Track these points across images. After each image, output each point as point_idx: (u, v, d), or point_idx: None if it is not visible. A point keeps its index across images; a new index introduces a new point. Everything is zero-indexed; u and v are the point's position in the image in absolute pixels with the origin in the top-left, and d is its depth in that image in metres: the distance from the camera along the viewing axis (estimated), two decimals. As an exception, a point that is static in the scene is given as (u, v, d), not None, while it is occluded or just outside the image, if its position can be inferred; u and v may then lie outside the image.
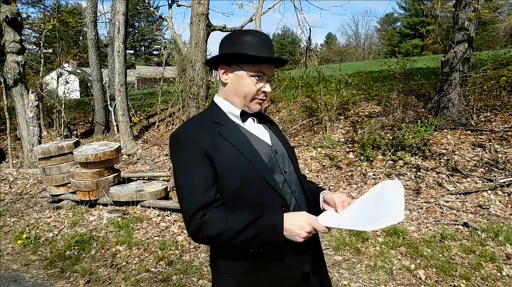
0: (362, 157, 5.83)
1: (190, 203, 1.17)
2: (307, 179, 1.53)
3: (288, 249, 1.24)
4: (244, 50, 1.24)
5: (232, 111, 1.32)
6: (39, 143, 7.49)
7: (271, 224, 1.16)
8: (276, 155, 1.32)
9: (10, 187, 6.53)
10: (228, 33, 1.35)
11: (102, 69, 11.62)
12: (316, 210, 1.34)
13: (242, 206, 1.20)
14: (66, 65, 13.18)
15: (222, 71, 1.30)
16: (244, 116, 1.32)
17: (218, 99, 1.35)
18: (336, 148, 6.38)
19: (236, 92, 1.29)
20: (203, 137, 1.22)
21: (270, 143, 1.33)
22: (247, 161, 1.22)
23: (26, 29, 17.06)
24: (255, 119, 1.37)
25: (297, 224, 1.15)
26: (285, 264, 1.26)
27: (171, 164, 5.62)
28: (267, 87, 1.30)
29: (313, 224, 1.16)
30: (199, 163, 1.19)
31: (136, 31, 45.81)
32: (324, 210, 1.31)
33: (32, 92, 7.69)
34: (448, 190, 4.84)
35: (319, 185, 1.49)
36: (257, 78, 1.27)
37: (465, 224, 3.98)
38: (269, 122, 1.45)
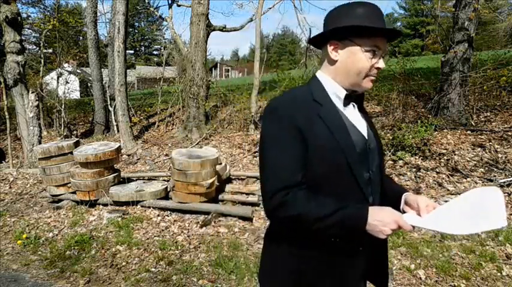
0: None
1: (275, 180, 1.11)
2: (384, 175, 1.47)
3: (359, 248, 1.21)
4: (358, 22, 1.13)
5: (337, 92, 1.22)
6: (39, 143, 7.49)
7: (356, 216, 1.09)
8: (369, 150, 1.23)
9: (10, 187, 6.53)
10: (334, 7, 1.23)
11: (102, 69, 11.62)
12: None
13: (325, 197, 1.15)
14: (66, 65, 13.17)
15: (332, 47, 1.19)
16: (347, 99, 1.23)
17: (322, 77, 1.25)
18: (336, 148, 6.37)
19: (348, 69, 1.18)
20: (302, 116, 1.14)
21: (366, 136, 1.24)
22: (341, 151, 1.14)
23: (26, 29, 17.06)
24: (355, 106, 1.27)
25: (381, 220, 1.08)
26: (350, 268, 1.23)
27: (170, 164, 5.62)
28: (381, 63, 1.19)
29: (398, 222, 1.08)
30: (294, 141, 1.12)
31: (136, 31, 45.82)
32: (404, 212, 1.23)
33: (32, 92, 7.68)
34: (448, 190, 4.84)
35: (400, 185, 1.41)
36: (372, 53, 1.16)
37: (465, 224, 3.98)
38: (364, 111, 1.34)
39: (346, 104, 1.23)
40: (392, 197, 1.29)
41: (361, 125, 1.25)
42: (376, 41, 1.16)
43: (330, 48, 1.20)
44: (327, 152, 1.14)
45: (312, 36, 1.25)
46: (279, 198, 1.10)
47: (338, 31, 1.16)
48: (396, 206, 1.25)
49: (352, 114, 1.25)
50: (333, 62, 1.22)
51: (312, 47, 9.77)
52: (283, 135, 1.13)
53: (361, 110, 1.31)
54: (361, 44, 1.15)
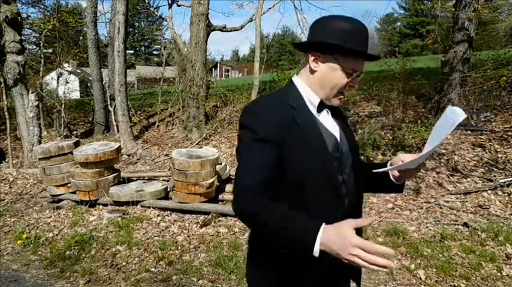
0: (362, 157, 5.83)
1: (243, 181, 1.11)
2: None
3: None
4: (346, 43, 1.14)
5: (311, 98, 1.24)
6: (39, 143, 7.49)
7: (305, 233, 0.99)
8: (341, 153, 1.26)
9: (10, 187, 6.53)
10: (323, 17, 1.23)
11: (102, 69, 11.61)
12: (377, 185, 1.39)
13: (301, 200, 1.16)
14: (66, 65, 13.16)
15: (313, 57, 1.21)
16: (321, 106, 1.25)
17: (299, 83, 1.27)
18: (336, 148, 6.37)
19: (324, 82, 1.22)
20: (278, 120, 1.15)
21: (338, 140, 1.27)
22: (315, 153, 1.17)
23: (26, 29, 17.07)
24: (329, 111, 1.30)
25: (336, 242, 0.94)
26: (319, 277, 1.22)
27: (170, 164, 5.61)
28: (355, 83, 1.23)
29: (354, 242, 0.92)
30: (268, 145, 1.13)
31: (136, 31, 45.83)
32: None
33: (32, 92, 7.68)
34: (448, 190, 4.84)
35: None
36: (350, 74, 1.20)
37: (465, 224, 3.98)
38: (341, 116, 1.37)
39: (319, 110, 1.26)
40: (376, 167, 1.35)
41: (334, 130, 1.28)
42: (356, 63, 1.19)
43: (311, 58, 1.22)
44: (302, 155, 1.16)
45: (299, 42, 1.27)
46: (241, 202, 1.10)
47: (323, 45, 1.18)
48: (383, 175, 1.34)
49: (326, 119, 1.27)
50: (312, 71, 1.24)
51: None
52: (259, 139, 1.14)
53: (335, 114, 1.34)
54: (342, 63, 1.18)
